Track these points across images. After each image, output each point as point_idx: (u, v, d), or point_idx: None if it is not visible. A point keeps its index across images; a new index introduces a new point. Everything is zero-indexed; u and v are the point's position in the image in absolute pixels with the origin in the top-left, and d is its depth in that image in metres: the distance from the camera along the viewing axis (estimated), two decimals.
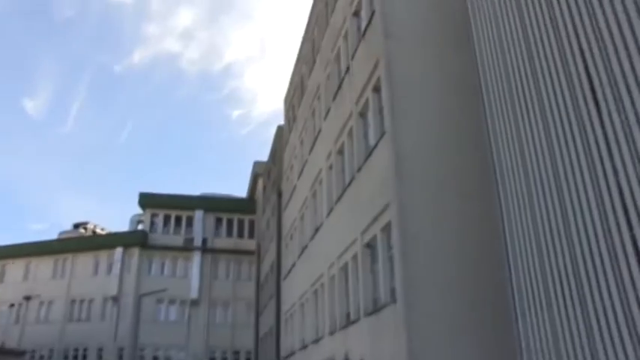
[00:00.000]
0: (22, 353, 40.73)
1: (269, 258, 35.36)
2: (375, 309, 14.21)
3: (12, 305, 45.72)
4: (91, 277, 45.14)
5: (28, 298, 44.39)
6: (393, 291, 13.04)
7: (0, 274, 48.20)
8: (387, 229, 13.76)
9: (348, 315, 16.79)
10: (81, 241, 49.45)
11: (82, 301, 44.92)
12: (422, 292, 12.10)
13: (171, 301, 43.74)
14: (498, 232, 9.89)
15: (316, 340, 20.72)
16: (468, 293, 12.25)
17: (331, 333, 18.42)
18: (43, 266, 47.09)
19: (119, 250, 44.48)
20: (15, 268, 48.08)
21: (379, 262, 14.28)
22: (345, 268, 17.37)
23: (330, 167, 20.23)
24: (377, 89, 15.32)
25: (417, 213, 12.84)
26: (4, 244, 49.02)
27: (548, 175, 8.20)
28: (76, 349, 43.24)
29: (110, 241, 47.16)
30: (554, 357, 7.79)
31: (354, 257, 16.28)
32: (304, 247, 23.94)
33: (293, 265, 26.42)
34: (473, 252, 12.54)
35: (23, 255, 47.75)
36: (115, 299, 43.24)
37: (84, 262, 46.08)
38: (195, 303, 43.32)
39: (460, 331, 11.92)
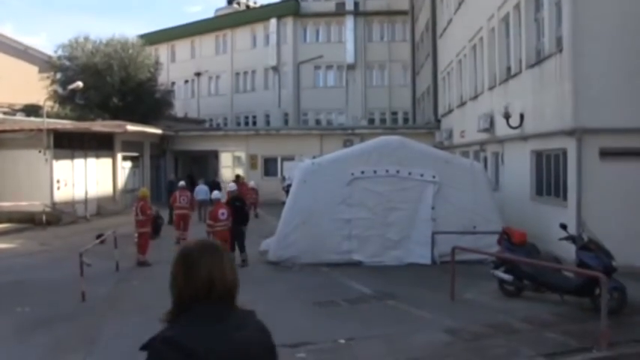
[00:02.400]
0: (202, 121, 45.61)
1: (423, 16, 34.16)
2: (539, 60, 13.55)
3: (186, 81, 50.75)
4: (250, 50, 47.35)
5: (198, 74, 48.63)
6: (559, 40, 12.22)
7: (171, 54, 52.21)
8: None
9: (508, 69, 16.24)
10: (237, 16, 51.27)
11: (245, 73, 47.99)
12: (592, 39, 11.19)
13: (329, 67, 44.95)
14: None
15: (475, 97, 20.58)
16: None
17: (490, 88, 18.13)
18: (206, 44, 50.29)
19: (273, 22, 45.32)
20: (182, 48, 51.94)
21: (544, 9, 13.22)
22: (505, 19, 16.40)
23: None
24: None
25: None
26: (169, 27, 52.38)
27: None
28: (246, 117, 47.28)
29: (264, 12, 48.11)
30: None
31: (516, 6, 15.21)
32: (461, 1, 22.67)
33: (449, 22, 25.37)
34: None
35: (187, 35, 50.99)
36: (275, 69, 45.26)
37: (242, 36, 48.11)
38: (351, 67, 44.06)
39: (635, 76, 11.07)
